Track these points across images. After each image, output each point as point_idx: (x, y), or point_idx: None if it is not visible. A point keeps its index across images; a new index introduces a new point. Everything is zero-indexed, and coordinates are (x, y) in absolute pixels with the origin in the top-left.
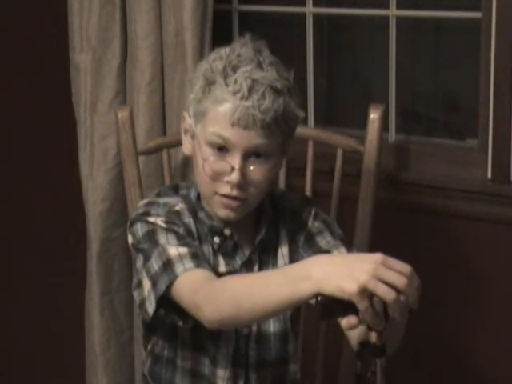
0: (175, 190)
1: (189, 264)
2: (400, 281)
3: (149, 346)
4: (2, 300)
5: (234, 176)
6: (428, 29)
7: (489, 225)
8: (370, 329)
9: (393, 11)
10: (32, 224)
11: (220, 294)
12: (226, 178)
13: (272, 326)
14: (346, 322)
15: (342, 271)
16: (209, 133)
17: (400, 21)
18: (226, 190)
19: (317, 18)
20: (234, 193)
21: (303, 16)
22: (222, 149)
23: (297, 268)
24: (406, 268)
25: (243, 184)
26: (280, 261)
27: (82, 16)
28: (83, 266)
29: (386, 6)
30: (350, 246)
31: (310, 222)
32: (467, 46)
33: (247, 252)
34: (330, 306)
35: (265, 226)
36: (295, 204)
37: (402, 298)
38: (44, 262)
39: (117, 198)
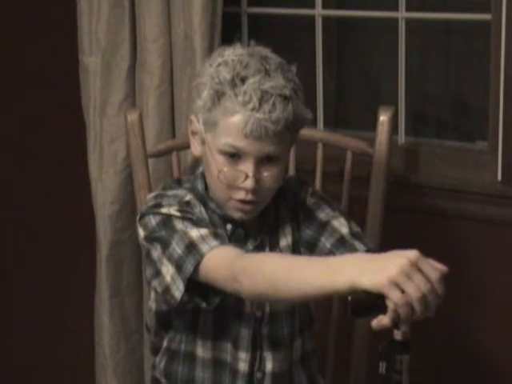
0: (179, 183)
1: (213, 242)
2: (423, 287)
3: (164, 344)
4: (12, 302)
5: (249, 183)
6: (437, 31)
7: (499, 227)
8: (395, 326)
9: (402, 13)
10: (41, 227)
11: (257, 273)
12: (241, 185)
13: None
14: (376, 322)
15: (376, 265)
16: (221, 143)
17: (409, 23)
18: (240, 195)
19: (326, 20)
20: (249, 197)
21: (312, 18)
22: (234, 155)
23: (336, 260)
24: (434, 274)
25: (257, 189)
26: (282, 241)
27: (92, 19)
28: (93, 268)
29: (396, 8)
30: (349, 218)
31: (307, 200)
32: (477, 47)
33: (257, 236)
34: (360, 305)
35: (273, 211)
36: (292, 184)
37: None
38: (54, 264)
39: (126, 201)
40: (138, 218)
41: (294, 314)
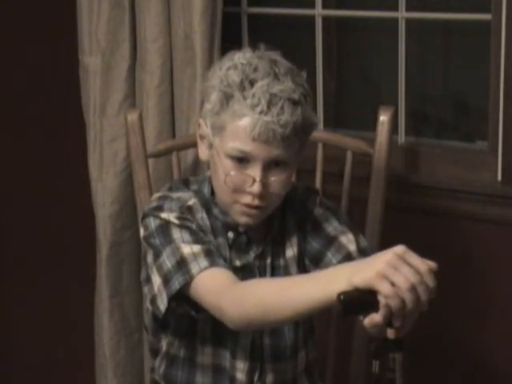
0: (186, 184)
1: (203, 263)
2: (412, 277)
3: (163, 348)
4: (12, 302)
5: (256, 187)
6: (437, 31)
7: (499, 227)
8: (388, 325)
9: (402, 13)
10: (41, 227)
11: (247, 299)
12: (248, 189)
13: None
14: (368, 320)
15: (365, 264)
16: (229, 147)
17: (409, 23)
18: (247, 199)
19: (326, 20)
20: (256, 202)
21: (312, 18)
22: (242, 160)
23: (327, 272)
24: (423, 266)
25: (264, 194)
26: (289, 251)
27: (92, 19)
28: (93, 268)
29: (396, 8)
30: (356, 232)
31: (315, 210)
32: (477, 47)
33: (260, 245)
34: (353, 303)
35: (278, 220)
36: (300, 194)
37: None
38: (54, 264)
39: (126, 201)
40: (140, 216)
41: (299, 325)
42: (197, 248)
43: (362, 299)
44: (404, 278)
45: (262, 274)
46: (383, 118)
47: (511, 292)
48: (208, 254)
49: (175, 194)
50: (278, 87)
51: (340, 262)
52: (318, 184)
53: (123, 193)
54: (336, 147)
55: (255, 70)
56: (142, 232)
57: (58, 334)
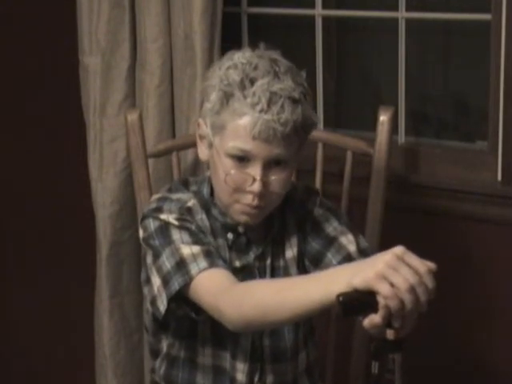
0: (185, 185)
1: (202, 263)
2: (411, 278)
3: (164, 349)
4: (12, 302)
5: (256, 187)
6: (437, 31)
7: (499, 227)
8: (387, 326)
9: (402, 13)
10: (41, 227)
11: (246, 301)
12: (248, 188)
13: None
14: (367, 321)
15: (364, 264)
16: (229, 146)
17: (409, 23)
18: (247, 199)
19: (326, 20)
20: (256, 202)
21: (312, 18)
22: (242, 159)
23: (328, 272)
24: (422, 267)
25: (264, 193)
26: (288, 252)
27: (92, 19)
28: (93, 268)
29: (396, 8)
30: (356, 232)
31: (315, 211)
32: (477, 47)
33: (259, 246)
34: (352, 304)
35: (278, 221)
36: (300, 194)
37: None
38: (54, 264)
39: (126, 201)
40: (140, 218)
41: (299, 326)
42: (196, 249)
43: (361, 300)
44: (403, 278)
45: (262, 275)
46: (383, 118)
47: (511, 292)
48: (207, 254)
49: (175, 195)
50: (278, 86)
51: (340, 262)
52: (317, 184)
53: (123, 193)
54: (336, 147)
55: (255, 68)
56: (141, 233)
57: (58, 334)
